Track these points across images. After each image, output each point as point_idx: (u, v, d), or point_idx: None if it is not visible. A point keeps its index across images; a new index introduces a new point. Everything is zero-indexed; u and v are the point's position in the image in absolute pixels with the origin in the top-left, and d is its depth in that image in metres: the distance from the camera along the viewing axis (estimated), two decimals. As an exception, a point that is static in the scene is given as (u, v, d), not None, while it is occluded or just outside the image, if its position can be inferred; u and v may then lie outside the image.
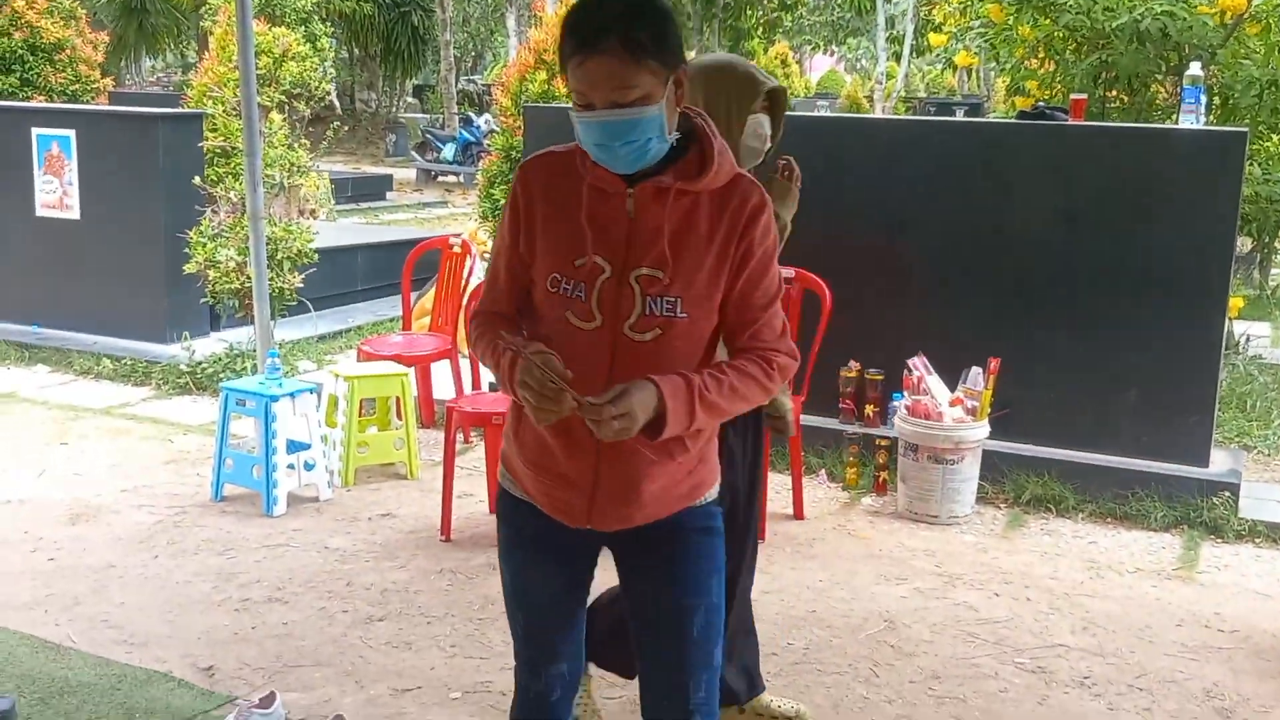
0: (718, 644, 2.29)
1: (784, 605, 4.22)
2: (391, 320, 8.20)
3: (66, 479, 5.35)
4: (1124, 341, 5.23)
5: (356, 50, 29.34)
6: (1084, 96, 5.65)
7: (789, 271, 5.14)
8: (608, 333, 2.12)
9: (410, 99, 31.65)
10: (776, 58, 25.25)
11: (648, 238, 2.12)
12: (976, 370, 5.08)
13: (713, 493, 2.32)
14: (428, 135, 20.67)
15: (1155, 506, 5.03)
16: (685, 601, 2.25)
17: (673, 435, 2.08)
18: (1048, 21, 7.06)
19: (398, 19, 27.49)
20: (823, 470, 5.55)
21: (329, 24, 20.55)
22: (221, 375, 6.60)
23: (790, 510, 5.09)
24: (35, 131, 7.56)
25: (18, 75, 12.80)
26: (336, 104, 26.62)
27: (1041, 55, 7.45)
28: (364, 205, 16.46)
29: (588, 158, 2.13)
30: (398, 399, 5.58)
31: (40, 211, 7.60)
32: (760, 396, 2.19)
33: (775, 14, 29.27)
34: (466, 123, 20.52)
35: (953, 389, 5.11)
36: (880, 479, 5.37)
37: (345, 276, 8.96)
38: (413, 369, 5.75)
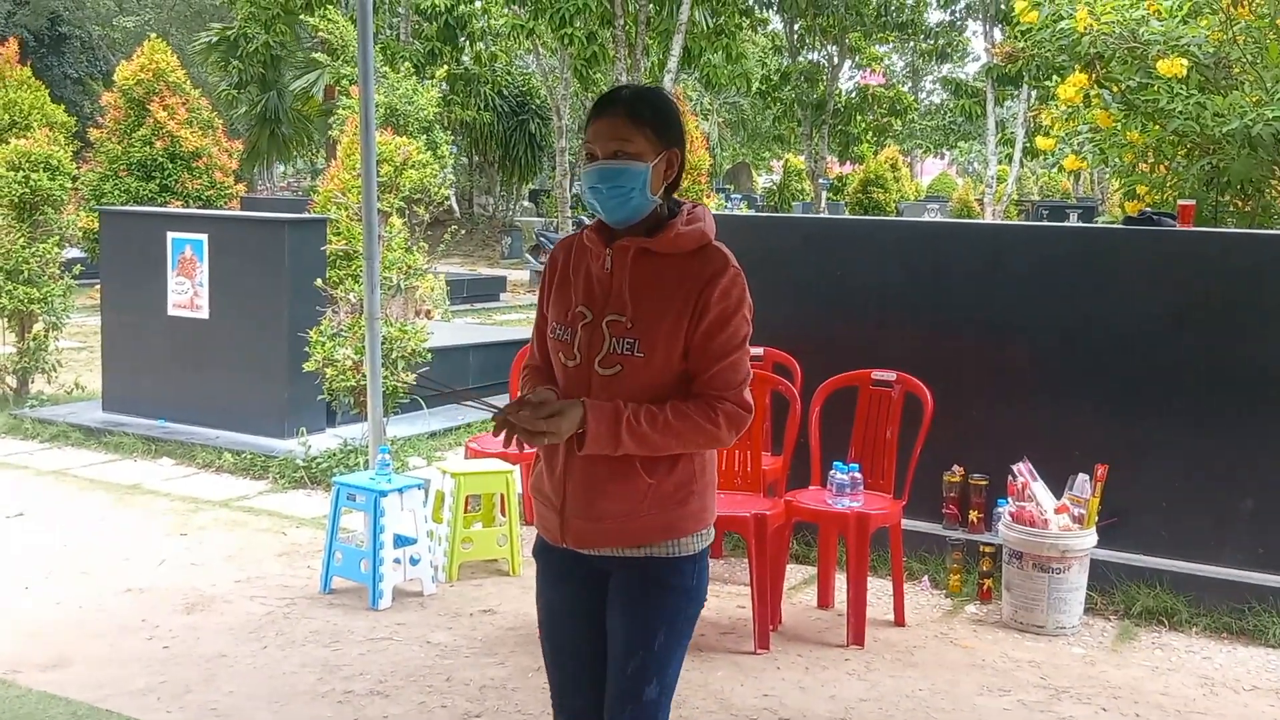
0: (651, 683, 2.55)
1: (883, 714, 4.15)
2: (500, 419, 8.35)
3: (184, 569, 5.55)
4: (1239, 448, 5.11)
5: (476, 157, 30.33)
6: (1192, 202, 5.62)
7: (890, 374, 5.16)
8: (585, 368, 2.54)
9: (526, 203, 32.50)
10: (886, 161, 25.37)
11: (618, 289, 2.53)
12: (1083, 477, 5.00)
13: (689, 544, 2.57)
14: (541, 238, 21.18)
15: (1274, 622, 4.85)
16: (628, 643, 2.56)
17: (597, 451, 2.44)
18: (1156, 127, 7.04)
19: (516, 127, 28.40)
20: (925, 576, 5.48)
21: (450, 132, 21.33)
22: (335, 470, 6.80)
23: (891, 616, 5.03)
24: (170, 235, 7.98)
25: (157, 182, 13.55)
26: (455, 208, 27.49)
27: (1152, 160, 7.41)
28: (478, 306, 16.89)
29: (589, 230, 2.61)
30: (502, 496, 5.68)
31: (172, 311, 7.98)
32: (702, 439, 2.50)
33: (885, 119, 29.53)
34: (579, 226, 20.94)
35: (1058, 495, 5.03)
36: (984, 586, 5.28)
37: (457, 375, 9.18)
38: (518, 467, 5.86)
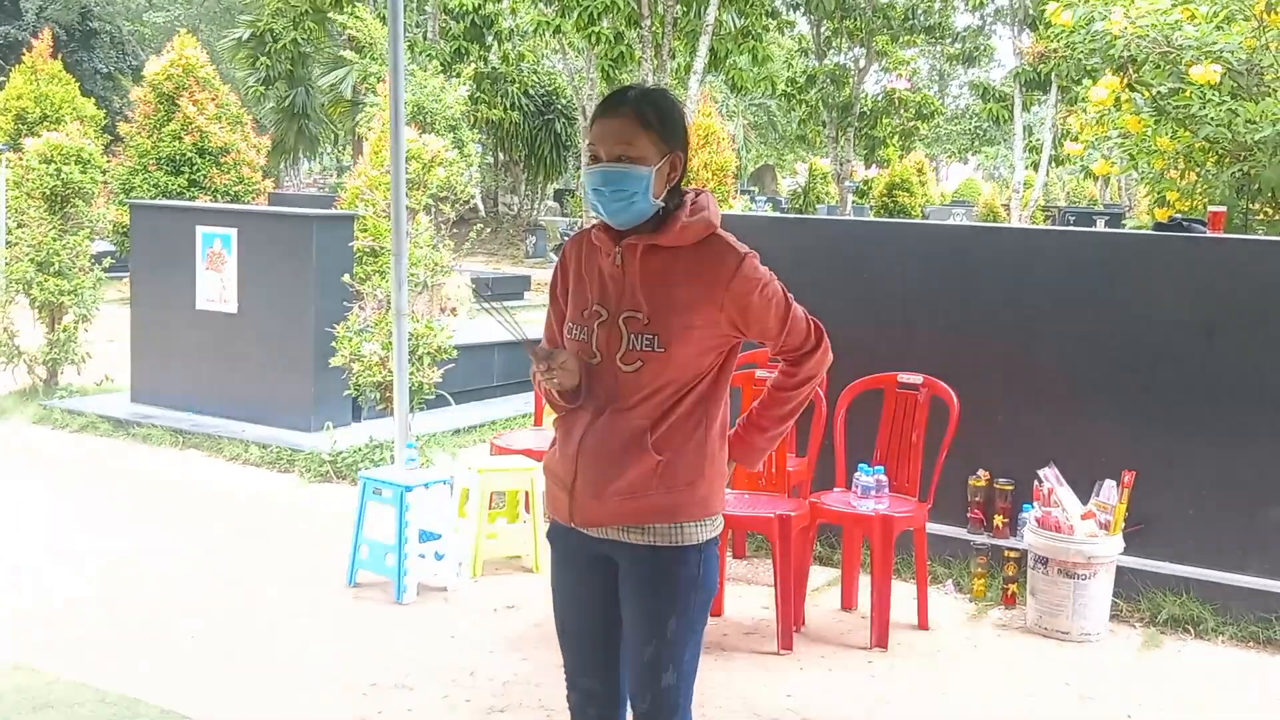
0: (668, 669, 2.59)
1: (905, 716, 4.15)
2: (524, 416, 8.39)
3: (211, 559, 5.59)
4: (1268, 457, 5.07)
5: (501, 155, 30.40)
6: (1223, 209, 5.58)
7: (916, 377, 5.15)
8: (607, 365, 2.57)
9: (550, 202, 32.54)
10: (913, 167, 25.27)
11: (630, 286, 2.56)
12: (1110, 483, 4.98)
13: (694, 532, 2.59)
14: (565, 237, 21.23)
15: (1301, 632, 4.82)
16: (641, 632, 2.60)
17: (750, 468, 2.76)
18: (1187, 134, 7.00)
19: (541, 126, 28.44)
20: (949, 580, 5.47)
21: (476, 130, 21.39)
22: (361, 464, 6.83)
23: (914, 620, 5.02)
24: (200, 230, 8.03)
25: (186, 176, 13.63)
26: (480, 206, 27.55)
27: (1182, 166, 7.36)
28: (503, 304, 16.94)
29: (596, 228, 2.62)
30: (526, 492, 5.70)
31: (200, 305, 8.04)
32: (805, 390, 2.72)
33: (911, 123, 29.43)
34: (603, 226, 20.97)
35: (1085, 501, 5.01)
36: (1009, 591, 5.26)
37: (482, 372, 9.22)
38: (541, 464, 5.87)
